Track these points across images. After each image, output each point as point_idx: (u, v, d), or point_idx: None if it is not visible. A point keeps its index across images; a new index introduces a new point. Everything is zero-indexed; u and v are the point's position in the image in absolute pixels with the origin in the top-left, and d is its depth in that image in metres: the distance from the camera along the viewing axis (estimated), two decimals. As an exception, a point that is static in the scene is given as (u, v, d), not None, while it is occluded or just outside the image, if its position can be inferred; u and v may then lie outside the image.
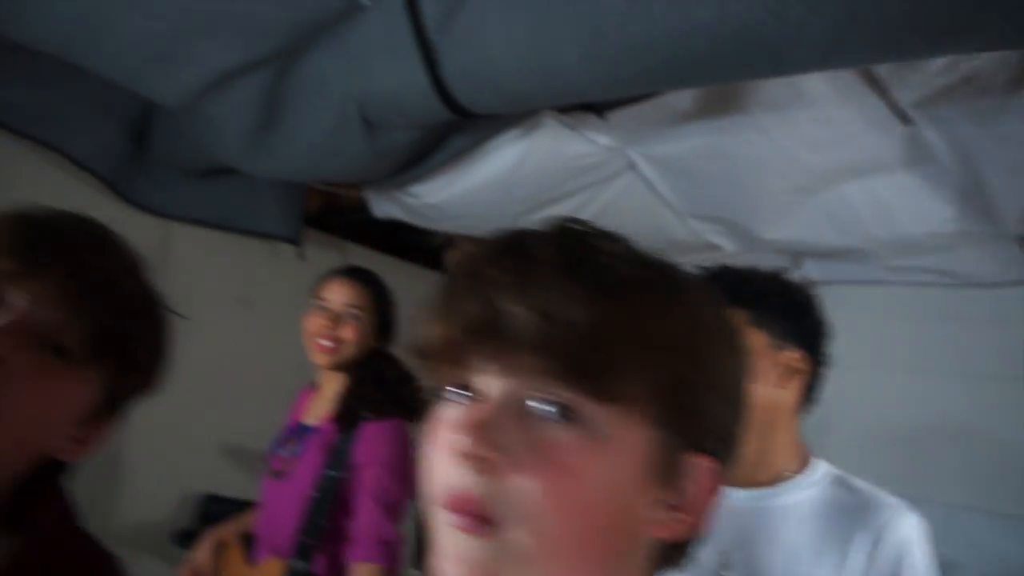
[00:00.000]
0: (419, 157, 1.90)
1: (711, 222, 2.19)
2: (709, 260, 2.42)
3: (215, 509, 2.63)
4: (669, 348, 0.51)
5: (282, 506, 1.73)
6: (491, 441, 0.49)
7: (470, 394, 0.53)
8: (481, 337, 0.51)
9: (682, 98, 1.63)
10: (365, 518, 1.64)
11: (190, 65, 1.58)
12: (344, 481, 1.68)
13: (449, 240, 3.08)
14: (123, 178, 2.30)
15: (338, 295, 1.84)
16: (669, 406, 0.51)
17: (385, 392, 1.76)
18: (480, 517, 0.49)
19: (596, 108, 1.74)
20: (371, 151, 1.78)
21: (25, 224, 0.70)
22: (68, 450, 0.72)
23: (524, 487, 0.49)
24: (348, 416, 1.72)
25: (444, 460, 0.51)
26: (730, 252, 2.41)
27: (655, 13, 1.11)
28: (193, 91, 1.65)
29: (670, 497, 0.52)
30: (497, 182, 1.98)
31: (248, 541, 1.86)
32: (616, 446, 0.50)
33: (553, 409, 0.50)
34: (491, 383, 0.52)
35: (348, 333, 1.80)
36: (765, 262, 2.42)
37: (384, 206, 2.37)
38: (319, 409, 1.86)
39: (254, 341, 2.66)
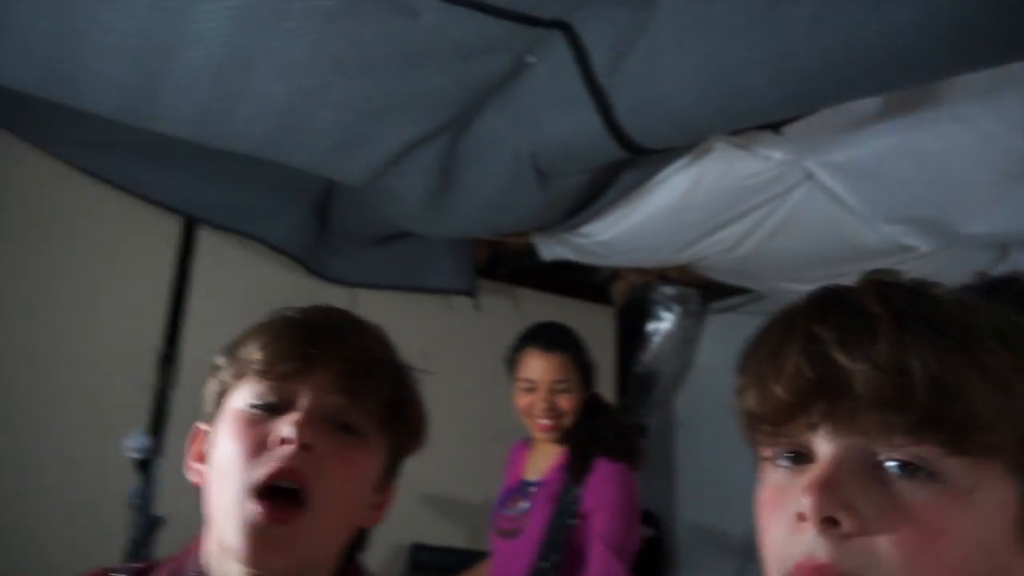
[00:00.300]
0: (590, 198, 1.91)
1: (904, 223, 2.04)
2: (901, 263, 2.26)
3: (422, 557, 2.74)
4: (1020, 391, 0.47)
5: (516, 564, 1.75)
6: (844, 503, 0.47)
7: (803, 457, 0.51)
8: (819, 397, 0.49)
9: (868, 100, 1.54)
10: (597, 563, 1.64)
11: (373, 145, 1.70)
12: (573, 528, 1.69)
13: (615, 274, 3.07)
14: (312, 254, 2.49)
15: (542, 373, 1.81)
16: None
17: (607, 440, 1.77)
18: None
19: (772, 123, 1.68)
20: (544, 200, 1.81)
21: (292, 326, 0.76)
22: (369, 517, 0.77)
23: (885, 551, 0.46)
24: (578, 466, 1.73)
25: (789, 527, 0.49)
26: (925, 252, 2.23)
27: (848, 20, 1.06)
28: (376, 168, 1.77)
29: None
30: (669, 211, 1.95)
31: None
32: (980, 501, 0.47)
33: (908, 466, 0.47)
34: (829, 443, 0.49)
35: (564, 405, 1.80)
36: (966, 258, 2.23)
37: (552, 248, 2.41)
38: (539, 464, 1.87)
39: (441, 393, 2.75)
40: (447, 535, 2.86)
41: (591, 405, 1.85)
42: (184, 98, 1.52)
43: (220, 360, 0.78)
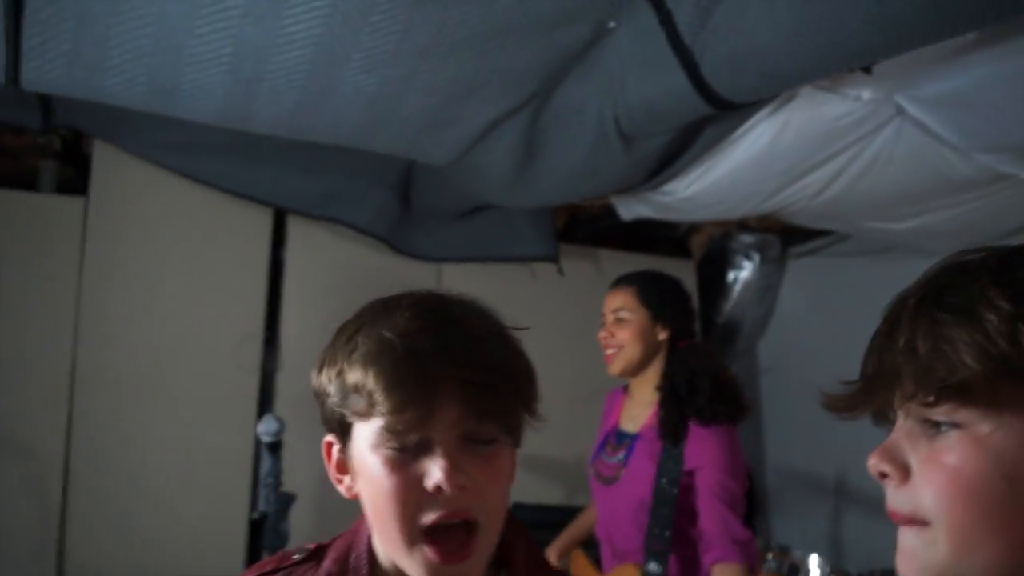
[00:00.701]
0: (673, 157, 1.91)
1: (1003, 151, 1.96)
2: (997, 191, 2.18)
3: (522, 515, 2.83)
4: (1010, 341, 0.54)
5: (619, 511, 1.81)
6: (891, 460, 0.60)
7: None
8: (879, 386, 0.61)
9: (965, 30, 1.48)
10: (714, 520, 1.67)
11: (459, 125, 1.73)
12: (680, 489, 1.72)
13: (693, 226, 3.06)
14: (396, 234, 2.56)
15: (607, 306, 1.92)
16: None
17: (700, 398, 1.76)
18: (909, 521, 0.60)
19: (861, 64, 1.64)
20: (628, 163, 1.82)
21: (405, 361, 0.73)
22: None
23: (925, 493, 0.58)
24: (671, 432, 1.74)
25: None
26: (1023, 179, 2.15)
27: (955, -44, 1.03)
28: (462, 148, 1.80)
29: None
30: (754, 162, 1.93)
31: (585, 546, 1.97)
32: (999, 440, 0.55)
33: (940, 423, 0.58)
34: (899, 416, 0.62)
35: (621, 336, 1.86)
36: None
37: (632, 208, 2.41)
38: (635, 413, 1.90)
39: (531, 359, 2.82)
40: (544, 493, 2.95)
41: (678, 354, 1.84)
42: (279, 99, 1.58)
43: (333, 382, 0.77)
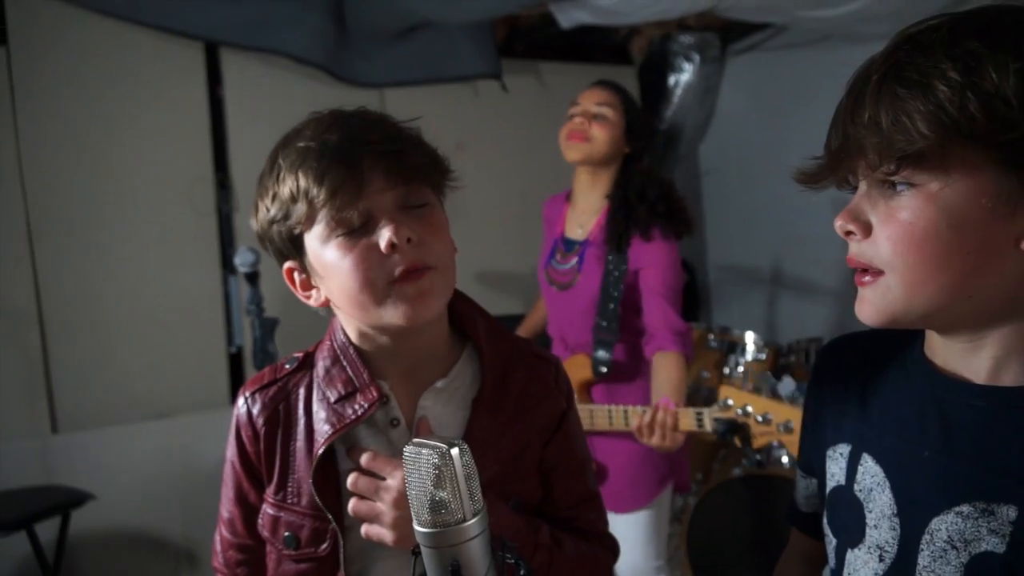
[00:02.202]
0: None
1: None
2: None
3: (486, 325, 3.03)
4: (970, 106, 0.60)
5: (572, 313, 1.96)
6: (855, 219, 0.68)
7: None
8: (845, 158, 0.67)
9: None
10: (657, 314, 1.83)
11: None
12: (626, 287, 1.86)
13: (633, 31, 3.03)
14: (336, 60, 2.50)
15: (589, 98, 1.94)
16: (1008, 149, 0.61)
17: (648, 207, 1.86)
18: (865, 270, 0.69)
19: None
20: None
21: (325, 155, 0.82)
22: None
23: (882, 244, 0.67)
24: (618, 239, 1.86)
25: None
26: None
27: None
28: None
29: None
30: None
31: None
32: (948, 195, 0.63)
33: (899, 183, 0.65)
34: (862, 182, 0.69)
35: (596, 130, 1.89)
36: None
37: (571, 15, 2.39)
38: (581, 220, 1.99)
39: (480, 176, 2.88)
40: (503, 304, 3.14)
41: (634, 171, 1.93)
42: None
43: (271, 207, 0.85)
